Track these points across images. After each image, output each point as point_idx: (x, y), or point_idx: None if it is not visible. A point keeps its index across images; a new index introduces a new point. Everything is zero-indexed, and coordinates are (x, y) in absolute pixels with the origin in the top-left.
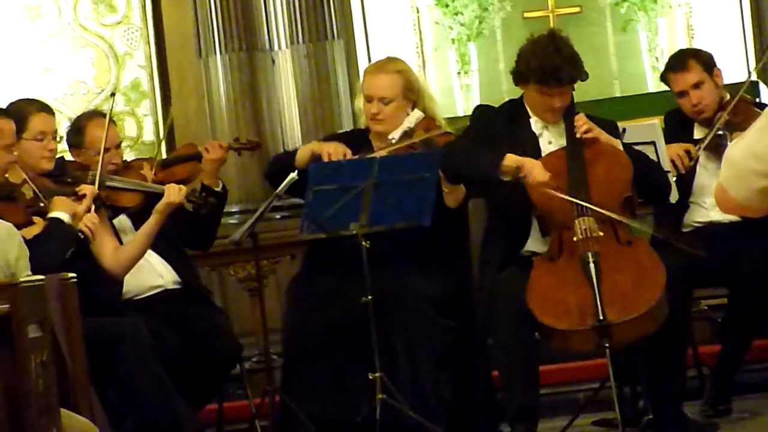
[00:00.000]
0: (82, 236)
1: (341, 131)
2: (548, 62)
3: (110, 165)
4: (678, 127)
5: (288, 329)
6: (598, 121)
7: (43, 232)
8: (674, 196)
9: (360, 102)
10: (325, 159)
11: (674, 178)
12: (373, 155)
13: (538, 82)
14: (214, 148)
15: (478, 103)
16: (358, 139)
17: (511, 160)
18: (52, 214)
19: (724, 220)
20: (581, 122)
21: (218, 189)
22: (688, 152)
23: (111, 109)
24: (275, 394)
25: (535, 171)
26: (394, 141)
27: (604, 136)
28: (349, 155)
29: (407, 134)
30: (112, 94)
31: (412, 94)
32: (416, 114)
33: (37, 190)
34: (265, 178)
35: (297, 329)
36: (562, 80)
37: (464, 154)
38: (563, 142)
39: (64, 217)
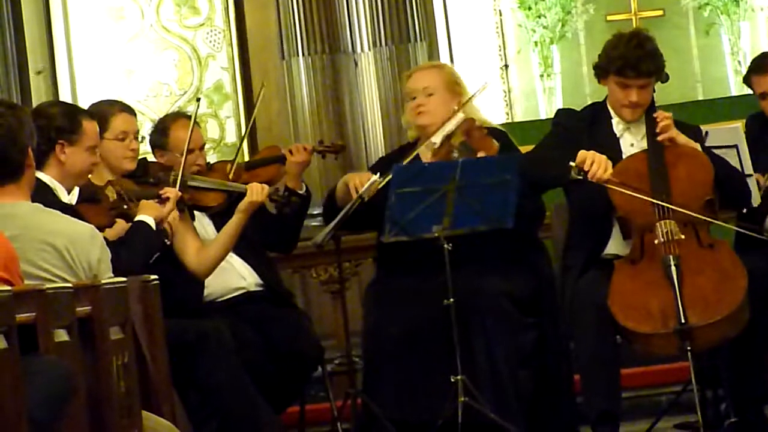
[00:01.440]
0: (168, 241)
1: (392, 150)
2: (630, 54)
3: (194, 167)
4: (760, 131)
5: (368, 333)
6: (681, 125)
7: (129, 235)
8: (756, 200)
9: (406, 116)
10: (352, 191)
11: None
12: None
13: (617, 72)
14: (298, 150)
15: (560, 107)
16: (406, 151)
17: (579, 156)
18: (139, 218)
19: None
20: (662, 116)
21: (301, 192)
22: None
23: (195, 112)
24: (357, 396)
25: (595, 166)
26: (436, 145)
27: (682, 138)
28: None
29: (448, 137)
30: (198, 99)
31: (457, 87)
32: (458, 117)
33: (120, 192)
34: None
35: (377, 333)
36: (641, 71)
37: (539, 158)
38: (644, 144)
39: (151, 221)
